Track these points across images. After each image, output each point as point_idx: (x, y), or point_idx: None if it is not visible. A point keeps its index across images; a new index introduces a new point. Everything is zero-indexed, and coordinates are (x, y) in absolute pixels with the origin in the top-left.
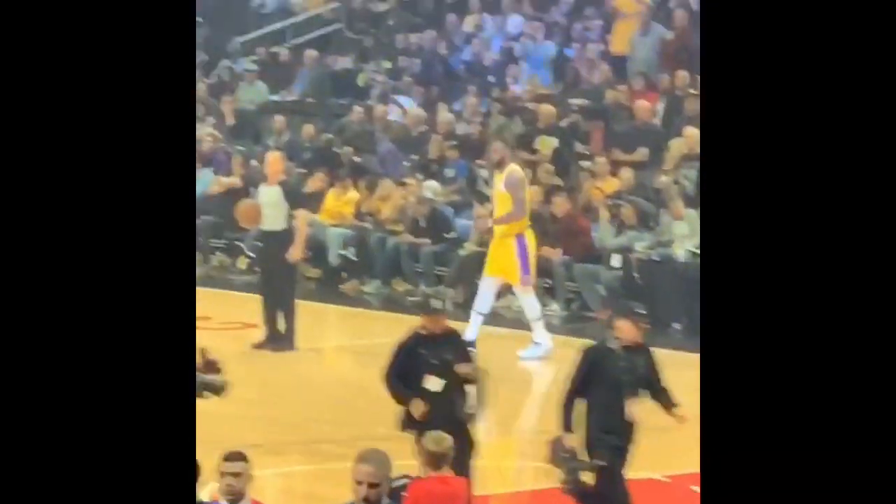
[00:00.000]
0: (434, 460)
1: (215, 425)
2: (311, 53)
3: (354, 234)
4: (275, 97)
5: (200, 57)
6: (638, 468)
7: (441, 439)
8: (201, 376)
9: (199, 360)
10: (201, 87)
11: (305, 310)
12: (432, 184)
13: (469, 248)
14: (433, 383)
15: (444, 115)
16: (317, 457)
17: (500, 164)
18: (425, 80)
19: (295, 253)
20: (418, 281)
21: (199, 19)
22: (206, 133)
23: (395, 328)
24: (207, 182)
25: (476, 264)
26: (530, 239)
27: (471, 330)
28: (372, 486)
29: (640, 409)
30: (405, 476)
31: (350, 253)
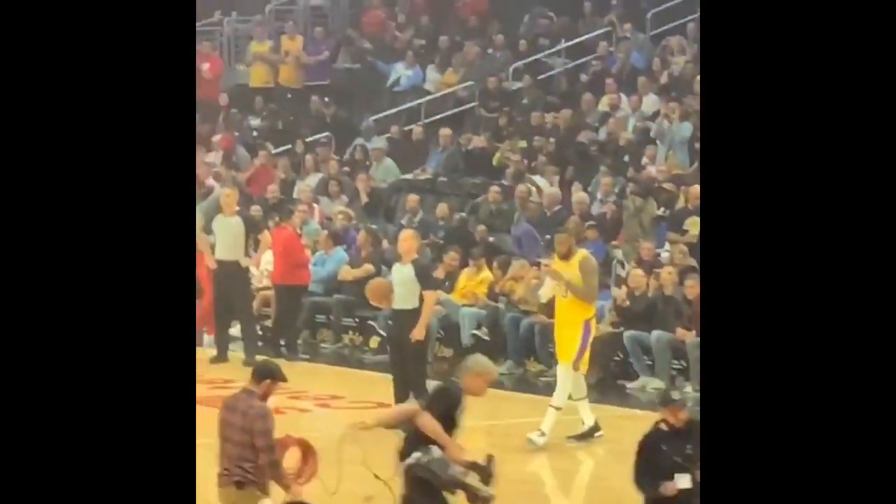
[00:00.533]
0: None
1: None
2: (444, 132)
3: (487, 313)
4: (408, 176)
5: (334, 134)
6: None
7: None
8: (466, 476)
9: (478, 461)
10: (333, 164)
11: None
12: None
13: (603, 328)
14: (683, 481)
15: (579, 195)
16: None
17: (566, 255)
18: (560, 160)
19: (417, 333)
20: (552, 362)
21: (325, 98)
22: (338, 211)
23: (528, 409)
24: (339, 261)
25: (610, 346)
26: (594, 326)
27: (588, 416)
28: None
29: None
30: None
31: (483, 333)
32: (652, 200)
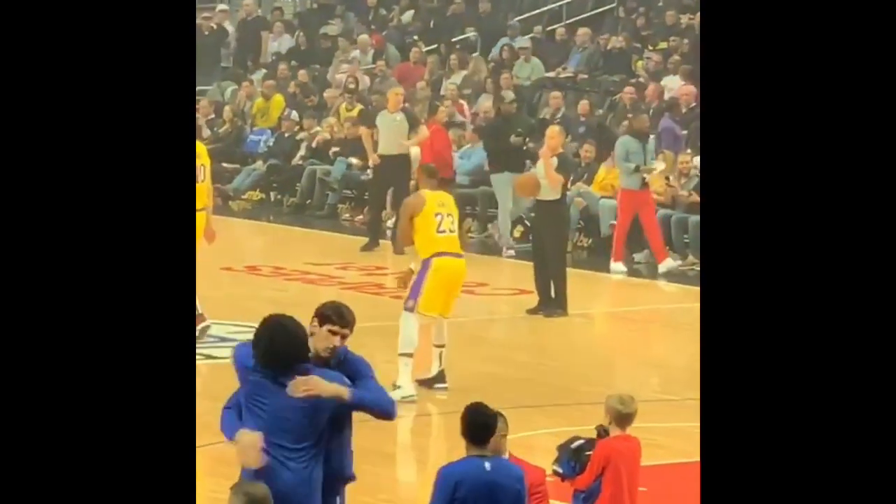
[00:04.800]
0: (621, 420)
1: (494, 387)
2: (584, 32)
3: None
4: (550, 74)
5: (479, 34)
6: None
7: (629, 401)
8: None
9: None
10: (478, 63)
11: (577, 277)
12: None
13: None
14: None
15: None
16: (586, 417)
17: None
18: (695, 59)
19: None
20: (686, 252)
21: None
22: (485, 108)
23: (663, 296)
24: (484, 154)
25: None
26: (432, 266)
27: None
28: None
29: None
30: (578, 438)
31: None
32: None
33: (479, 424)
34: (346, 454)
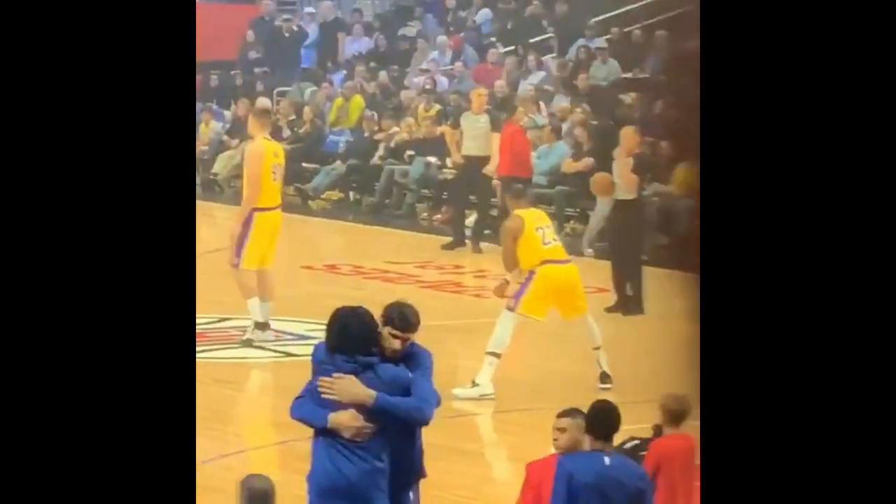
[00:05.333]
0: (675, 419)
1: (573, 385)
2: (661, 34)
3: None
4: (627, 75)
5: (556, 35)
6: None
7: (683, 399)
8: None
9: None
10: (554, 64)
11: (655, 275)
12: None
13: None
14: None
15: None
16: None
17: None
18: None
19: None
20: None
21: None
22: (560, 107)
23: None
24: (561, 154)
25: None
26: (539, 273)
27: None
28: None
29: None
30: (634, 438)
31: None
32: None
33: (603, 420)
34: (416, 450)
